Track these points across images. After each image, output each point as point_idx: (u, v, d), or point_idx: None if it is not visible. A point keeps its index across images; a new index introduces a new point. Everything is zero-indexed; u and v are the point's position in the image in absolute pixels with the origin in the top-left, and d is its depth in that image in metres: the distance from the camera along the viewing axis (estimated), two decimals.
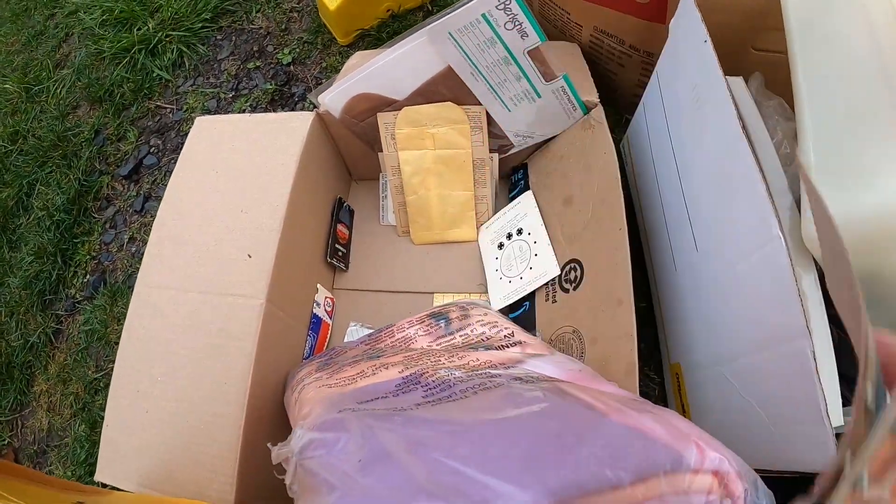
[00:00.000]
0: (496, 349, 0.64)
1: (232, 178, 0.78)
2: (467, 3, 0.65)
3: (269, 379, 0.70)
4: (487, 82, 0.74)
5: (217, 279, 0.71)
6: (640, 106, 0.81)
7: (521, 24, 0.66)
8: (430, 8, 1.21)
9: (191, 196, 0.79)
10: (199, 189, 0.79)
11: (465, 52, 0.70)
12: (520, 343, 0.65)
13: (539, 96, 0.75)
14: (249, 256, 0.71)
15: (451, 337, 0.69)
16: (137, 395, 0.69)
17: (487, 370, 0.50)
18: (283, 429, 0.73)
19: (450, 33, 0.68)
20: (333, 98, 0.79)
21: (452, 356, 0.55)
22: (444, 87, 0.75)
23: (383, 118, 0.80)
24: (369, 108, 0.79)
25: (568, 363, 0.59)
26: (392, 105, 0.78)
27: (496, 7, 0.65)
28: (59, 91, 1.55)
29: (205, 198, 0.78)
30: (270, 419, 0.69)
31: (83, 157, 1.40)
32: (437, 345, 0.68)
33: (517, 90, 0.75)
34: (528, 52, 0.70)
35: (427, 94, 0.76)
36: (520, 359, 0.57)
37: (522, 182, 0.88)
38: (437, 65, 0.72)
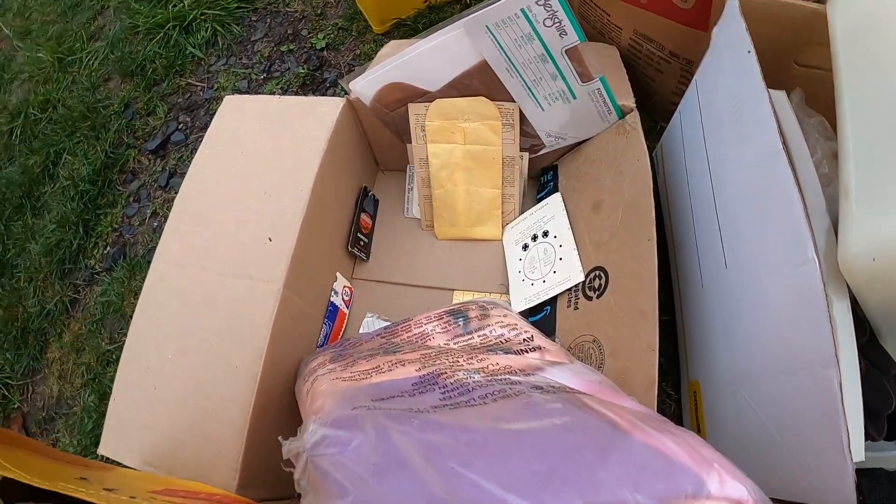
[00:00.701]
0: (515, 353, 0.62)
1: (257, 159, 0.78)
2: None
3: (282, 365, 0.69)
4: (522, 79, 0.72)
5: (236, 260, 0.71)
6: (676, 114, 0.79)
7: (560, 21, 0.64)
8: (467, 1, 1.20)
9: (215, 174, 0.78)
10: (224, 168, 0.78)
11: (501, 47, 0.69)
12: (539, 348, 0.64)
13: (574, 97, 0.73)
14: (270, 240, 0.71)
15: (469, 336, 0.68)
16: (147, 371, 0.68)
17: (507, 376, 0.49)
18: (291, 417, 0.72)
19: (487, 27, 0.67)
20: (365, 85, 0.78)
21: (471, 358, 0.54)
22: (478, 82, 0.74)
23: (414, 109, 0.79)
24: (401, 98, 0.78)
25: (588, 374, 0.58)
26: (424, 96, 0.77)
27: (536, 3, 0.63)
28: (91, 63, 1.57)
29: (229, 177, 0.77)
30: (279, 406, 0.69)
31: (111, 130, 1.41)
32: (455, 343, 0.67)
33: (552, 89, 0.73)
34: (566, 51, 0.68)
35: (460, 87, 0.75)
36: (539, 366, 0.56)
37: (552, 184, 0.87)
38: (472, 58, 0.71)
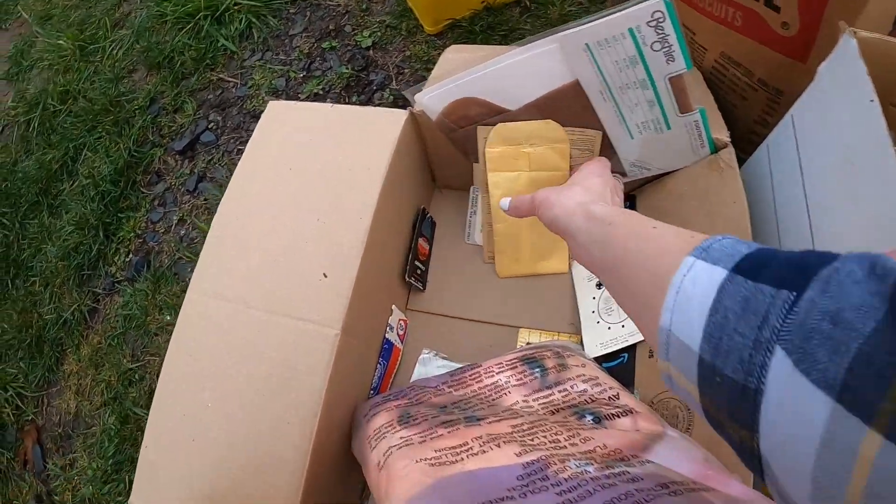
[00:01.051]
0: (607, 418, 0.57)
1: (308, 178, 0.71)
2: (613, 13, 0.57)
3: (336, 416, 0.63)
4: (616, 105, 0.66)
5: (285, 298, 0.64)
6: (762, 148, 0.73)
7: (670, 45, 0.58)
8: (527, 4, 1.13)
9: (259, 193, 0.72)
10: (269, 186, 0.72)
11: (599, 68, 0.62)
12: (630, 412, 0.58)
13: (668, 128, 0.66)
14: (325, 276, 0.64)
15: (549, 392, 0.62)
16: (183, 418, 0.63)
17: (623, 467, 0.43)
18: (345, 476, 0.67)
19: (587, 45, 0.60)
20: (434, 98, 0.71)
21: (573, 435, 0.48)
22: (565, 104, 0.67)
23: (483, 131, 0.72)
24: (474, 115, 0.72)
25: (692, 449, 0.52)
26: (501, 115, 0.71)
27: (647, 23, 0.56)
28: (115, 52, 1.51)
29: (275, 198, 0.71)
30: (333, 463, 0.63)
31: (135, 126, 1.36)
32: (535, 401, 0.61)
33: (647, 117, 0.67)
34: (670, 79, 0.62)
35: (544, 108, 0.69)
36: (644, 443, 0.50)
37: None
38: (562, 77, 0.65)
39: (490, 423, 0.52)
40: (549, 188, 0.56)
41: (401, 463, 0.47)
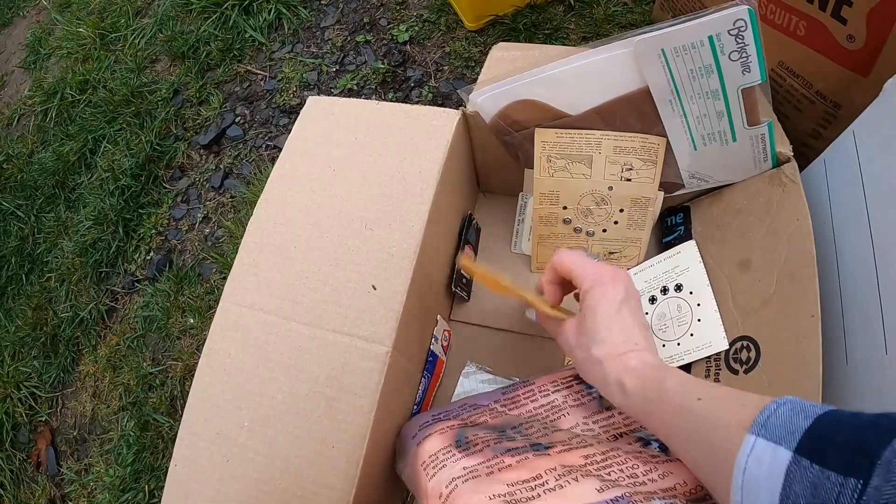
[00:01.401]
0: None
1: (354, 181, 0.68)
2: (693, 19, 0.56)
3: (383, 438, 0.61)
4: (684, 114, 0.64)
5: (330, 312, 0.61)
6: (818, 163, 0.71)
7: (748, 56, 0.57)
8: (571, 3, 1.11)
9: (299, 196, 0.69)
10: (310, 189, 0.69)
11: (671, 76, 0.60)
12: None
13: (734, 140, 0.66)
14: (374, 288, 0.62)
15: (609, 415, 0.60)
16: (217, 437, 0.60)
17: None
18: (389, 497, 0.65)
19: (662, 50, 0.58)
20: (489, 99, 0.69)
21: (650, 469, 0.46)
22: (630, 111, 0.65)
23: (542, 135, 0.70)
24: (531, 119, 0.70)
25: None
26: (561, 119, 0.69)
27: (728, 31, 0.55)
28: (137, 41, 1.50)
29: (317, 202, 0.68)
30: (378, 487, 0.61)
31: (158, 118, 1.34)
32: (597, 424, 0.59)
33: (713, 129, 0.65)
34: (742, 90, 0.61)
35: (607, 114, 0.67)
36: None
37: (682, 228, 0.78)
38: (632, 83, 0.63)
39: (560, 452, 0.50)
40: (562, 324, 0.57)
41: (471, 499, 0.45)
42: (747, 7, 0.54)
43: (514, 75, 0.67)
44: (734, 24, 0.55)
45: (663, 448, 0.55)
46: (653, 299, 0.76)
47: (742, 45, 0.56)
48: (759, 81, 0.60)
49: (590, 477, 0.45)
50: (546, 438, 0.55)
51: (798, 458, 0.29)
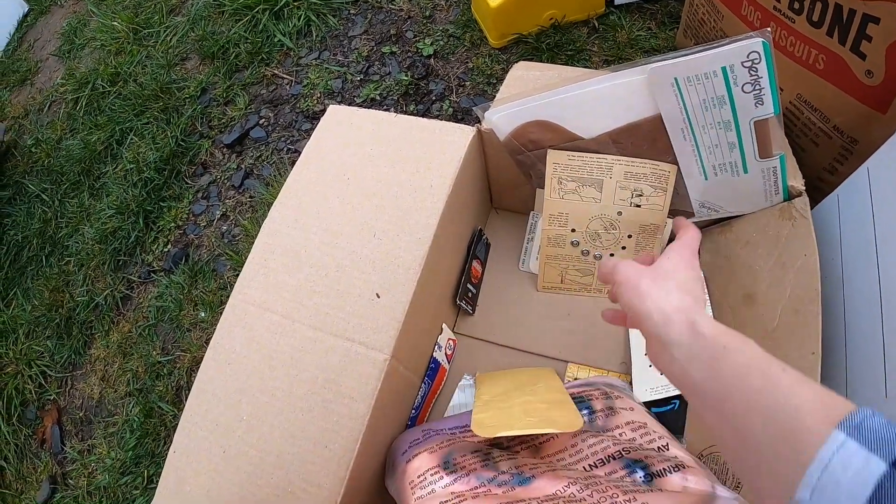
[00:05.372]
0: (658, 475, 0.55)
1: (367, 191, 0.70)
2: (707, 49, 0.56)
3: (376, 443, 0.62)
4: (695, 144, 0.65)
5: (333, 316, 0.63)
6: (832, 198, 0.71)
7: (761, 88, 0.57)
8: (595, 25, 1.12)
9: (313, 202, 0.71)
10: (325, 195, 0.71)
11: (684, 105, 0.61)
12: (682, 467, 0.57)
13: (746, 171, 0.66)
14: (378, 296, 0.63)
15: (599, 439, 0.61)
16: (216, 428, 0.62)
17: None
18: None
19: (675, 79, 0.59)
20: (504, 118, 0.70)
21: (630, 500, 0.47)
22: (643, 137, 0.66)
23: (555, 157, 0.71)
24: (545, 139, 0.71)
25: None
26: (573, 142, 0.70)
27: (741, 63, 0.56)
28: (169, 38, 1.53)
29: (330, 208, 0.70)
30: (367, 493, 0.62)
31: (185, 115, 1.36)
32: (585, 444, 0.60)
33: (725, 159, 0.66)
34: (755, 122, 0.61)
35: (619, 139, 0.67)
36: None
37: None
38: (644, 110, 0.64)
39: (544, 480, 0.51)
40: (636, 265, 0.50)
41: None
42: (762, 40, 0.54)
43: (530, 95, 0.68)
44: (748, 56, 0.56)
45: (649, 477, 0.56)
46: None
47: (756, 77, 0.57)
48: (773, 114, 0.60)
49: None
50: (531, 463, 0.55)
51: (893, 473, 0.27)
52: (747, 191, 0.69)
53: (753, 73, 0.57)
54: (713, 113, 0.61)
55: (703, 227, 0.79)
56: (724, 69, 0.57)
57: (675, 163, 0.68)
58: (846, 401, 0.31)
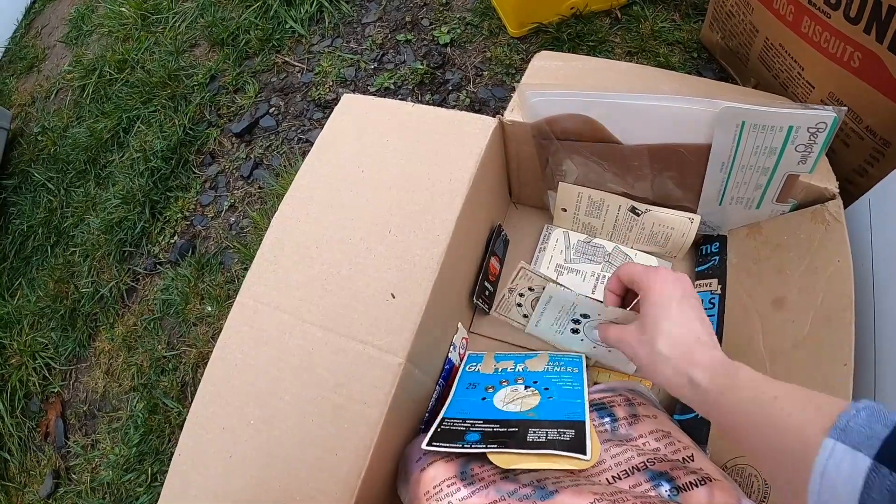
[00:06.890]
0: (683, 489, 0.52)
1: (382, 184, 0.66)
2: (785, 107, 0.58)
3: (388, 450, 0.59)
4: (728, 177, 0.67)
5: (346, 317, 0.59)
6: (863, 201, 0.68)
7: (811, 152, 0.61)
8: (618, 16, 1.09)
9: (325, 195, 0.67)
10: (338, 188, 0.67)
11: (738, 145, 0.62)
12: (708, 480, 0.54)
13: (757, 208, 0.70)
14: (393, 296, 0.59)
15: (623, 448, 0.58)
16: (222, 432, 0.59)
17: None
18: None
19: (743, 122, 0.60)
20: (544, 101, 0.67)
21: None
22: (678, 159, 0.66)
23: (566, 153, 0.69)
24: (580, 132, 0.68)
25: None
26: (608, 142, 0.67)
27: (808, 128, 0.58)
28: (178, 24, 1.50)
29: (343, 202, 0.66)
30: (379, 500, 0.59)
31: (193, 103, 1.33)
32: (608, 454, 0.56)
33: (745, 195, 0.69)
34: (789, 175, 0.64)
35: (655, 154, 0.66)
36: None
37: (717, 258, 0.75)
38: (696, 137, 0.63)
39: (568, 495, 0.48)
40: (624, 328, 0.54)
41: None
42: (835, 115, 0.56)
43: (578, 88, 0.67)
44: (816, 125, 0.57)
45: (675, 491, 0.53)
46: None
47: (812, 142, 0.59)
48: (807, 173, 0.63)
49: None
50: (554, 477, 0.52)
51: (877, 466, 0.29)
52: (745, 217, 0.73)
53: (812, 138, 0.59)
54: (759, 158, 0.63)
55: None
56: (790, 128, 0.59)
57: (696, 187, 0.69)
58: (837, 401, 0.35)
